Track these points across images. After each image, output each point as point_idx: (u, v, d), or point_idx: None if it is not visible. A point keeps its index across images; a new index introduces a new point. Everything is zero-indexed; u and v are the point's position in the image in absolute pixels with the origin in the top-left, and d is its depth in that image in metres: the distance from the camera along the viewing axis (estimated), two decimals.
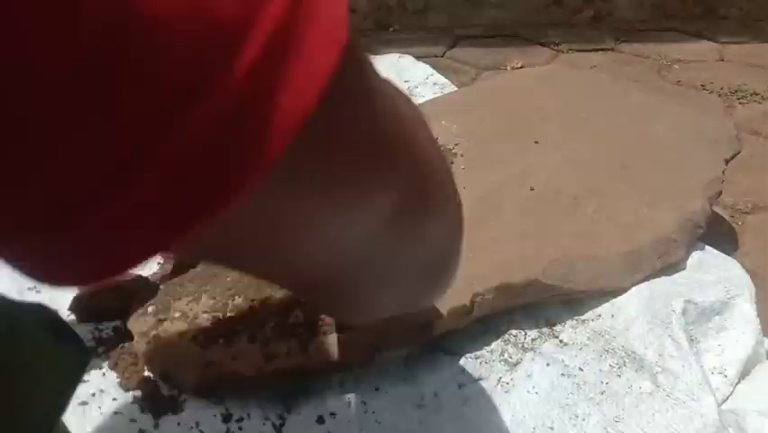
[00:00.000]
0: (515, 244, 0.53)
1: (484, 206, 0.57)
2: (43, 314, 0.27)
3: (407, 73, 1.05)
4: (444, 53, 1.50)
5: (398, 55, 1.13)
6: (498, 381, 0.49)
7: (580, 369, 0.49)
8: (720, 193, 0.62)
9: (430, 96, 0.92)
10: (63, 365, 0.27)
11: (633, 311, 0.52)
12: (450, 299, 0.48)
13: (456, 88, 1.01)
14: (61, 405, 0.26)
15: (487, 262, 0.52)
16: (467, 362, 0.50)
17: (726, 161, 0.65)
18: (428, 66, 1.09)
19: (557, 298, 0.52)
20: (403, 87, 0.99)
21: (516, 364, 0.50)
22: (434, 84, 1.01)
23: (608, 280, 0.52)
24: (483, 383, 0.49)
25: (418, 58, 1.17)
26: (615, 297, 0.54)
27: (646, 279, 0.54)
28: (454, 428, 0.46)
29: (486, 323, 0.53)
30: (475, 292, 0.49)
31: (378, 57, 1.13)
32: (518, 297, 0.51)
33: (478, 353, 0.51)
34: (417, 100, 0.89)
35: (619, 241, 0.53)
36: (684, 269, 0.56)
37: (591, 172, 0.61)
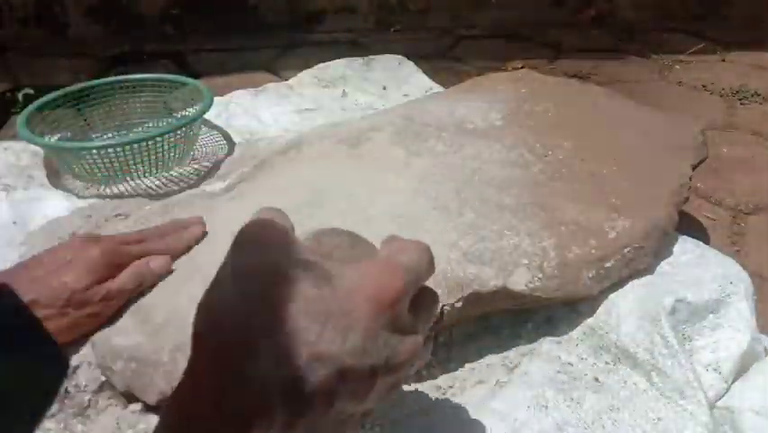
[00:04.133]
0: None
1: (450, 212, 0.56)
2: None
3: (407, 86, 1.03)
4: (446, 53, 1.50)
5: (398, 61, 1.10)
6: (497, 382, 0.49)
7: (576, 364, 0.49)
8: (687, 199, 0.62)
9: None
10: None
11: (625, 308, 0.52)
12: None
13: None
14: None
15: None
16: (467, 362, 0.50)
17: (693, 168, 0.65)
18: (427, 77, 1.06)
19: (528, 304, 0.52)
20: (401, 100, 0.97)
21: (514, 368, 0.50)
22: None
23: (575, 287, 0.51)
24: (484, 385, 0.49)
25: (419, 57, 1.16)
26: (611, 292, 0.54)
27: (614, 286, 0.54)
28: (454, 429, 0.46)
29: (487, 323, 0.53)
30: (442, 303, 0.48)
31: (377, 59, 1.10)
32: (488, 304, 0.50)
33: (478, 353, 0.51)
34: None
35: (587, 248, 0.53)
36: (680, 266, 0.56)
37: (561, 180, 0.61)
